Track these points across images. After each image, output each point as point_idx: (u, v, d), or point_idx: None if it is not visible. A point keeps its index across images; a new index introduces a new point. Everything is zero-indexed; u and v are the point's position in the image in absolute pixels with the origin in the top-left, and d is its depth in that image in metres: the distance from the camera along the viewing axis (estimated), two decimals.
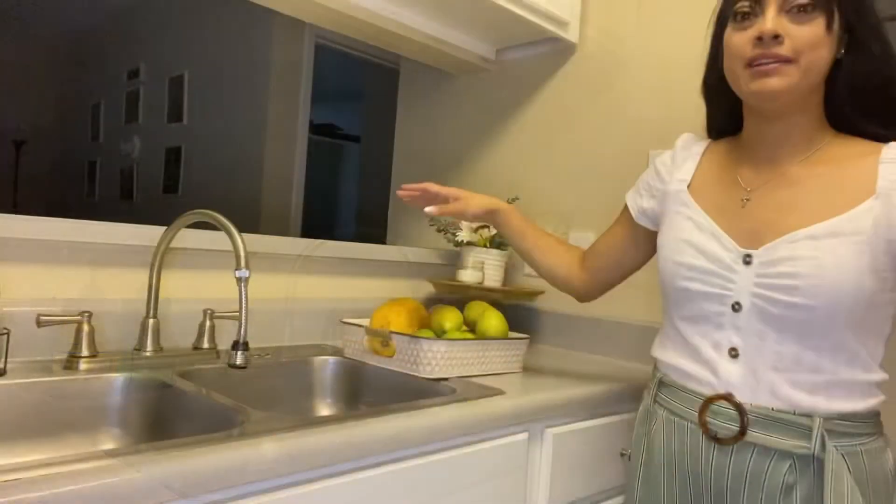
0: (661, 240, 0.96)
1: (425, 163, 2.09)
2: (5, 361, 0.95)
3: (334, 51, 3.43)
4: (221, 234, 1.22)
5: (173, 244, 1.16)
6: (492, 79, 1.89)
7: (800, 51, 0.78)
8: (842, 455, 0.78)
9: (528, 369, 1.29)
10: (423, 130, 2.11)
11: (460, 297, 1.69)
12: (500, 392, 1.05)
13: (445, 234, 1.69)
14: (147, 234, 1.18)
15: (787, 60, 0.78)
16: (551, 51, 1.74)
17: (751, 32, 0.80)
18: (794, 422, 0.80)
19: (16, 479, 0.57)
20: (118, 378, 1.01)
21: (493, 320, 1.27)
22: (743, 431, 0.82)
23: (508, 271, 1.77)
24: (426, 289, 1.74)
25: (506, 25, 1.66)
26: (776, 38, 0.77)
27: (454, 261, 1.76)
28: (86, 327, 1.04)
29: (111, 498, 0.60)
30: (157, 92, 4.13)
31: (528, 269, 1.74)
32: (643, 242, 1.05)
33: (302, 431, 0.77)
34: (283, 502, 0.74)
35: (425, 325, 1.27)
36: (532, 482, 1.09)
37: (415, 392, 1.12)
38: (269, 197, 3.29)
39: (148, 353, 1.11)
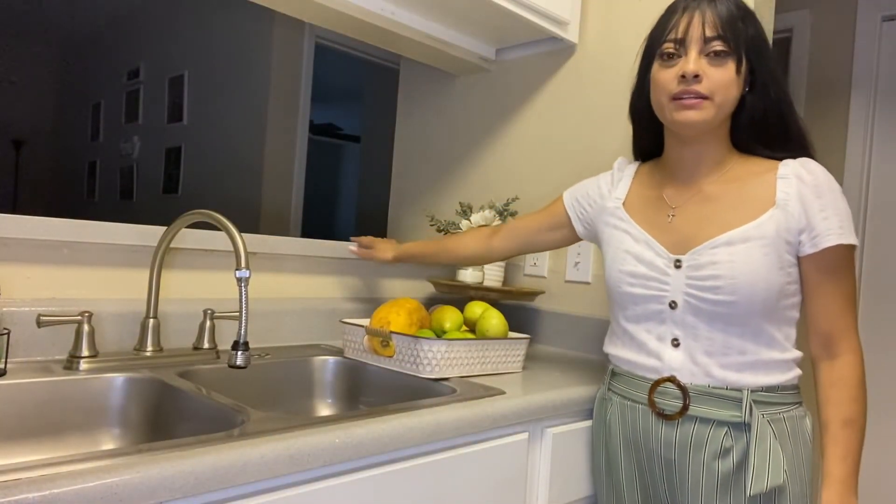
0: (604, 252, 1.11)
1: (425, 162, 2.09)
2: (5, 361, 0.95)
3: (334, 51, 3.43)
4: (221, 234, 1.22)
5: (173, 244, 1.16)
6: (492, 79, 1.90)
7: (714, 90, 0.93)
8: (767, 421, 0.94)
9: (528, 369, 1.29)
10: (423, 130, 2.11)
11: (460, 297, 1.69)
12: (500, 392, 1.05)
13: (445, 234, 1.69)
14: (147, 234, 1.18)
15: (704, 97, 0.93)
16: (551, 51, 1.74)
17: (675, 70, 0.95)
18: (727, 396, 0.95)
19: (16, 479, 0.57)
20: (118, 378, 1.01)
21: (493, 320, 1.28)
22: (686, 407, 0.97)
23: (508, 271, 1.78)
24: (426, 289, 1.74)
25: (506, 25, 1.66)
26: (696, 77, 0.93)
27: None
28: (86, 327, 1.04)
29: (111, 498, 0.60)
30: (157, 92, 4.13)
31: (528, 269, 1.74)
32: (561, 234, 1.24)
33: (302, 431, 0.77)
34: (283, 502, 0.74)
35: (425, 325, 1.27)
36: (532, 482, 1.09)
37: (415, 392, 1.12)
38: (269, 197, 3.29)
39: (148, 353, 1.11)
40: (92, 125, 5.00)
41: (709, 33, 0.93)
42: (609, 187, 1.14)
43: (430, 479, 0.90)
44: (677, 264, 0.99)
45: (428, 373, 1.12)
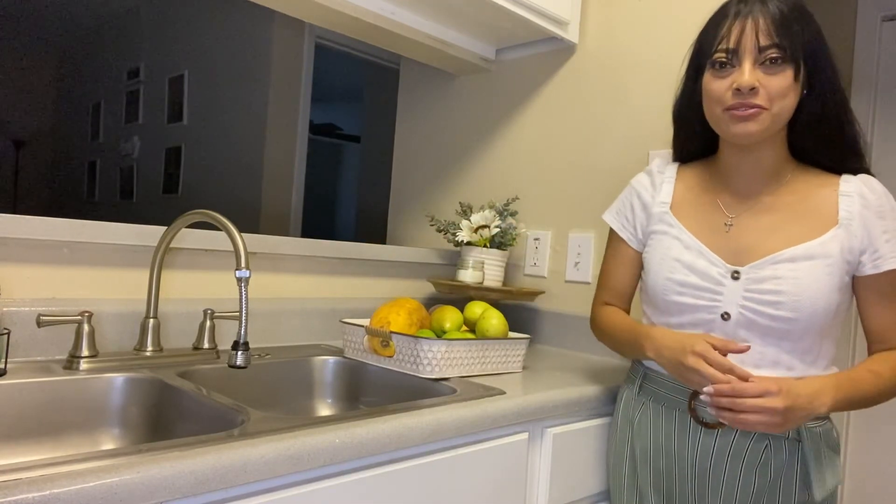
0: (649, 257, 1.07)
1: (425, 163, 2.09)
2: (5, 361, 0.95)
3: (334, 51, 3.43)
4: (221, 234, 1.22)
5: (173, 244, 1.16)
6: (492, 79, 1.90)
7: (772, 99, 0.90)
8: (821, 437, 0.95)
9: (528, 369, 1.29)
10: (423, 130, 2.11)
11: (460, 297, 1.69)
12: (500, 392, 1.05)
13: (445, 234, 1.69)
14: (147, 234, 1.18)
15: (760, 107, 0.90)
16: (551, 51, 1.74)
17: (728, 81, 0.92)
18: None
19: (16, 479, 0.57)
20: (118, 378, 1.01)
21: (493, 320, 1.28)
22: None
23: (508, 271, 1.78)
24: (426, 289, 1.74)
25: (506, 25, 1.66)
26: (752, 90, 0.89)
27: (454, 261, 1.76)
28: (86, 327, 1.04)
29: (111, 498, 0.60)
30: (157, 92, 4.13)
31: (528, 269, 1.74)
32: (639, 264, 1.14)
33: (302, 431, 0.77)
34: (283, 502, 0.74)
35: (425, 325, 1.27)
36: (532, 482, 1.09)
37: (415, 392, 1.12)
38: (269, 197, 3.29)
39: (148, 353, 1.11)
40: (92, 125, 5.00)
41: (763, 42, 0.89)
42: (651, 192, 1.10)
43: (430, 479, 0.90)
44: (735, 276, 0.96)
45: (428, 373, 1.12)
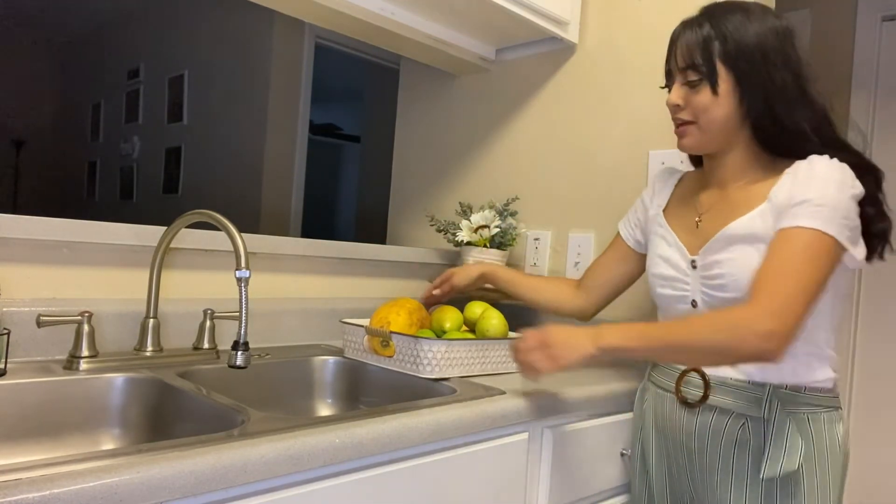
0: (646, 258, 1.16)
1: (425, 163, 2.09)
2: (5, 361, 0.95)
3: (334, 51, 3.43)
4: (221, 234, 1.22)
5: (173, 244, 1.16)
6: (492, 79, 1.90)
7: (697, 114, 0.99)
8: (789, 418, 0.94)
9: None
10: (423, 130, 2.11)
11: (460, 297, 1.69)
12: (500, 392, 1.05)
13: (445, 234, 1.69)
14: (147, 234, 1.18)
15: (689, 122, 1.00)
16: (551, 51, 1.74)
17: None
18: (748, 389, 0.97)
19: (16, 479, 0.57)
20: (118, 378, 1.01)
21: (493, 320, 1.28)
22: (706, 396, 1.00)
23: None
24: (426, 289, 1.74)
25: (506, 25, 1.66)
26: (678, 106, 1.01)
27: (454, 261, 1.76)
28: (86, 327, 1.04)
29: (111, 498, 0.60)
30: (157, 92, 4.13)
31: (528, 269, 1.74)
32: (632, 262, 1.24)
33: (302, 431, 0.77)
34: (283, 502, 0.74)
35: (425, 325, 1.27)
36: (532, 482, 1.09)
37: (415, 392, 1.12)
38: (269, 197, 3.29)
39: (148, 353, 1.11)
40: (92, 125, 5.00)
41: (681, 64, 0.99)
42: (651, 197, 1.19)
43: (430, 479, 0.90)
44: (693, 265, 1.03)
45: (428, 373, 1.12)
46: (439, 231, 1.70)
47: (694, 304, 1.03)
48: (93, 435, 0.98)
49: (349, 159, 6.32)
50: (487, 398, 1.00)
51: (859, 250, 0.93)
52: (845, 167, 0.93)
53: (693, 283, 1.03)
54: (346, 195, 6.32)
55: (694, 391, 1.02)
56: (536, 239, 1.72)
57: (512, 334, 1.29)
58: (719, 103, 0.97)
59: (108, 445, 0.99)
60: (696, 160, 1.16)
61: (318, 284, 1.50)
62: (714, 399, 1.00)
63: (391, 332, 1.16)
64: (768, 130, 0.98)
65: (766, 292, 0.87)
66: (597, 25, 1.66)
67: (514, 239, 1.64)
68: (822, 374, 0.97)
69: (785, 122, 0.95)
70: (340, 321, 1.30)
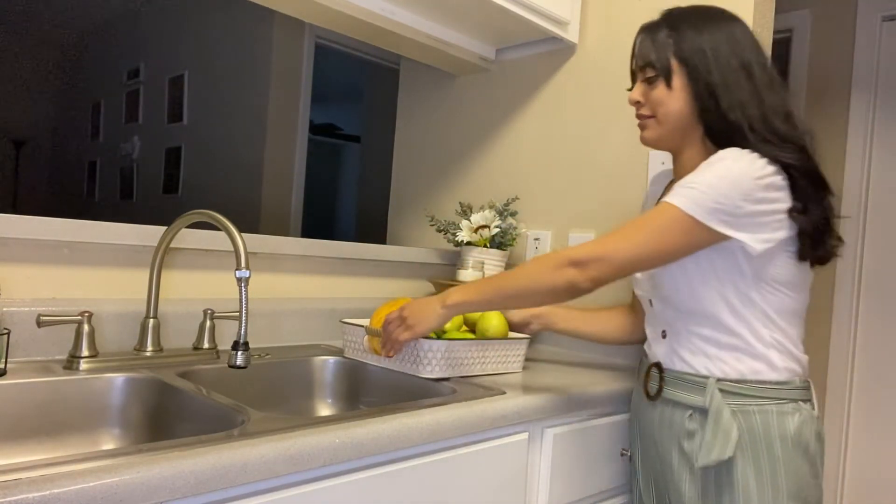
0: None
1: (425, 162, 2.09)
2: (5, 361, 0.95)
3: (334, 51, 3.43)
4: (221, 234, 1.22)
5: (173, 244, 1.16)
6: (492, 79, 1.90)
7: (654, 108, 1.05)
8: (733, 411, 0.98)
9: (528, 369, 1.29)
10: (423, 130, 2.11)
11: None
12: (500, 392, 1.05)
13: (445, 234, 1.69)
14: (147, 234, 1.18)
15: (649, 116, 1.07)
16: (551, 51, 1.74)
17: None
18: (694, 381, 1.02)
19: (16, 479, 0.57)
20: (118, 378, 1.01)
21: (493, 320, 1.27)
22: (661, 389, 1.07)
23: None
24: (426, 289, 1.74)
25: (506, 25, 1.66)
26: (637, 103, 1.08)
27: (454, 261, 1.76)
28: (86, 327, 1.04)
29: (111, 498, 0.60)
30: (157, 92, 4.13)
31: None
32: None
33: (302, 431, 0.77)
34: (282, 502, 0.74)
35: None
36: (532, 482, 1.09)
37: (415, 392, 1.12)
38: (269, 197, 3.29)
39: (148, 353, 1.11)
40: (92, 125, 5.00)
41: (640, 63, 1.06)
42: (647, 203, 1.24)
43: (430, 479, 0.90)
44: None
45: (428, 373, 1.12)
46: (439, 231, 1.70)
47: (650, 303, 1.11)
48: (93, 435, 0.99)
49: (349, 159, 6.32)
50: (487, 398, 1.00)
51: (749, 236, 0.93)
52: (746, 154, 0.94)
53: (647, 283, 1.11)
54: (346, 195, 6.32)
55: (653, 384, 1.09)
56: (536, 239, 1.72)
57: (512, 335, 1.29)
58: (674, 97, 1.03)
59: (108, 445, 0.99)
60: None
61: (318, 284, 1.50)
62: (668, 392, 1.06)
63: None
64: (714, 124, 1.02)
65: (585, 244, 0.98)
66: (597, 25, 1.66)
67: (514, 239, 1.64)
68: (769, 368, 0.98)
69: (727, 115, 0.99)
70: (340, 321, 1.30)
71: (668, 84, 1.02)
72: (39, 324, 1.00)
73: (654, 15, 1.08)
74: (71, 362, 1.02)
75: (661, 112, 1.04)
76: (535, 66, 1.78)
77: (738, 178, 0.92)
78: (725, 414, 0.97)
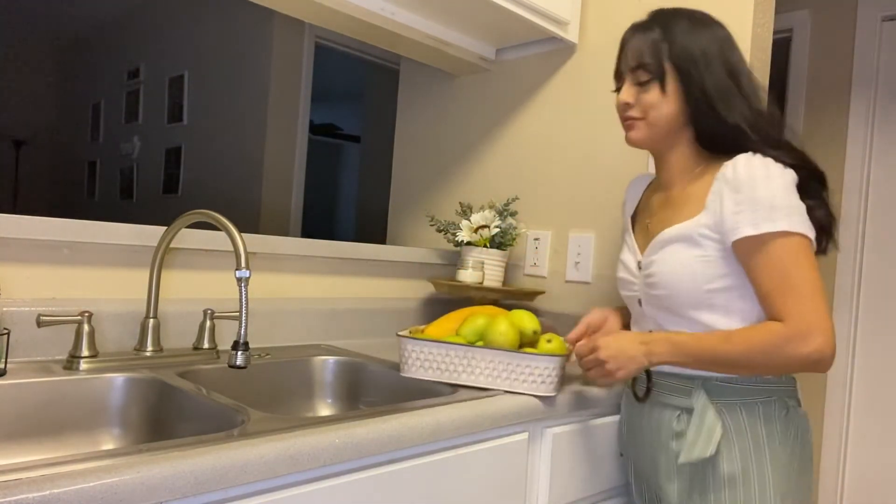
0: None
1: (425, 163, 2.09)
2: (5, 361, 0.95)
3: (334, 51, 3.43)
4: (221, 234, 1.22)
5: (173, 244, 1.16)
6: (492, 79, 1.90)
7: (645, 111, 1.04)
8: (719, 408, 0.99)
9: None
10: (423, 130, 2.11)
11: (460, 298, 1.69)
12: (500, 392, 1.05)
13: (445, 234, 1.69)
14: (147, 234, 1.18)
15: (638, 118, 1.06)
16: (551, 51, 1.74)
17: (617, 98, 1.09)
18: (683, 382, 1.03)
19: (16, 479, 0.57)
20: (118, 378, 1.01)
21: (500, 326, 1.10)
22: (649, 390, 1.08)
23: (508, 271, 1.78)
24: (426, 289, 1.74)
25: (506, 25, 1.66)
26: (627, 104, 1.06)
27: (454, 261, 1.76)
28: (86, 327, 1.04)
29: (111, 498, 0.60)
30: (157, 92, 4.13)
31: (528, 269, 1.74)
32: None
33: (302, 431, 0.77)
34: (282, 502, 0.74)
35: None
36: (532, 482, 1.09)
37: (415, 392, 1.12)
38: (269, 197, 3.29)
39: (148, 353, 1.11)
40: (92, 125, 5.00)
41: (632, 64, 1.05)
42: (626, 207, 1.23)
43: (430, 479, 0.90)
44: (640, 265, 1.09)
45: (405, 371, 1.09)
46: (439, 231, 1.70)
47: (640, 303, 1.09)
48: (93, 435, 0.99)
49: (349, 159, 6.33)
50: (487, 398, 1.00)
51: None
52: (763, 159, 0.96)
53: (639, 283, 1.09)
54: (346, 195, 6.32)
55: (641, 386, 1.10)
56: (536, 239, 1.73)
57: (529, 350, 1.09)
58: (667, 101, 1.03)
59: (108, 445, 0.99)
60: None
61: (318, 284, 1.50)
62: (655, 393, 1.07)
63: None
64: (710, 129, 1.02)
65: (793, 316, 0.92)
66: (597, 25, 1.66)
67: (514, 239, 1.64)
68: None
69: (726, 119, 1.00)
70: (397, 334, 1.15)
71: (663, 88, 1.02)
72: (39, 324, 1.00)
73: None
74: (71, 362, 1.02)
75: (654, 115, 1.04)
76: (535, 66, 1.78)
77: (788, 183, 0.95)
78: (710, 413, 0.99)
